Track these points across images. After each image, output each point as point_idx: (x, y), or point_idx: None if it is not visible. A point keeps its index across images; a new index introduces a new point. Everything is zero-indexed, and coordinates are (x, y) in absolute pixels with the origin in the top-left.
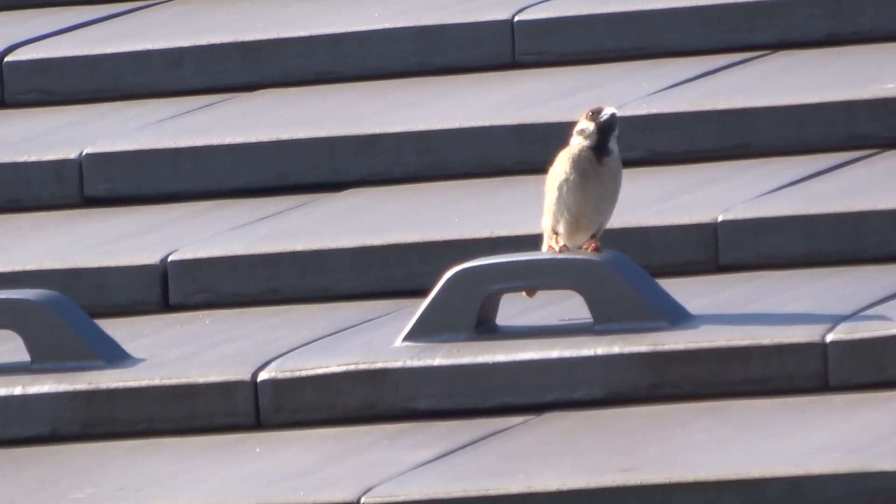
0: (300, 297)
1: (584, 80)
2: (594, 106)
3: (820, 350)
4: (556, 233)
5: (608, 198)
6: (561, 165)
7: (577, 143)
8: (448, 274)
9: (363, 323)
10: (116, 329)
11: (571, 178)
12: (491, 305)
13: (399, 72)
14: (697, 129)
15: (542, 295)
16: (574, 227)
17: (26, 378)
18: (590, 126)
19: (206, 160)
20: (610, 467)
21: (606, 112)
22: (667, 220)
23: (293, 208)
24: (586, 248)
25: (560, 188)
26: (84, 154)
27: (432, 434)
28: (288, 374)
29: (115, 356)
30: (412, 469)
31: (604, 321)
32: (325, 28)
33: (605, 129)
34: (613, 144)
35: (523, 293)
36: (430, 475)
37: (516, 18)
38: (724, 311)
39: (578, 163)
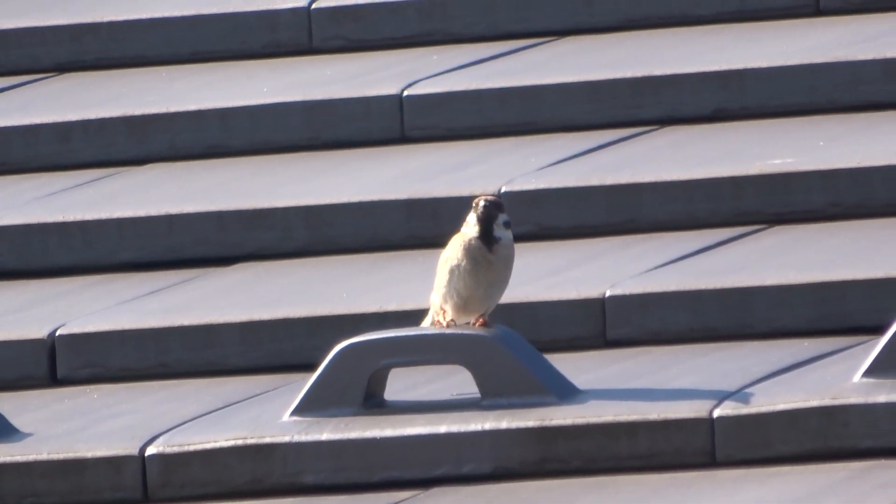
0: (189, 372)
1: (473, 154)
2: (484, 187)
3: (707, 425)
4: (443, 310)
5: (499, 283)
6: (453, 250)
7: (468, 231)
8: (336, 349)
9: (252, 397)
10: (3, 403)
11: (462, 264)
12: (379, 380)
13: (289, 146)
14: (585, 204)
15: (430, 369)
16: (463, 308)
17: None
18: (472, 218)
19: (95, 234)
20: None
21: (481, 203)
22: (555, 296)
23: (183, 282)
24: (474, 324)
25: (451, 272)
26: None
27: None
28: (176, 449)
29: (4, 430)
30: None
31: (492, 396)
32: (215, 102)
33: (485, 220)
34: (501, 232)
35: (413, 367)
36: None
37: (405, 93)
38: (612, 385)
39: (469, 251)
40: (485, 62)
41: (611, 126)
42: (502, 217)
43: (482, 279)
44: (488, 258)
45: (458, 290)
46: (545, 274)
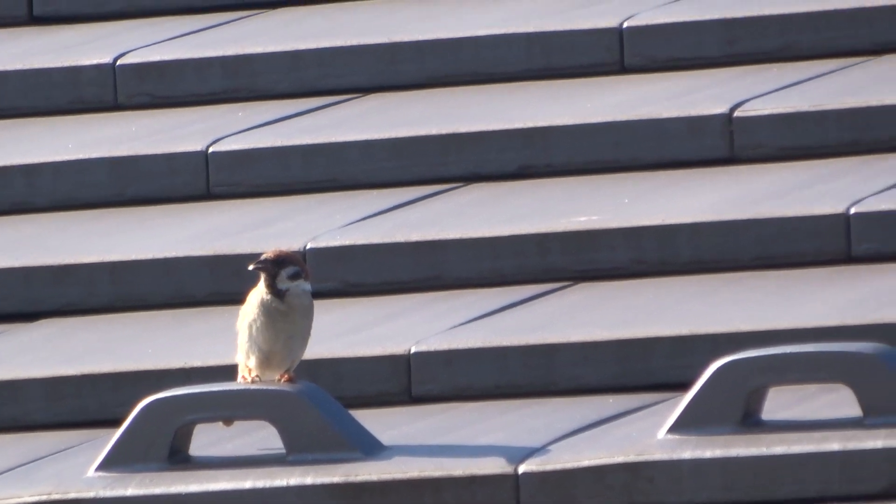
0: None
1: (278, 211)
2: (289, 244)
3: (512, 481)
4: (248, 366)
5: (299, 336)
6: (250, 305)
7: (262, 285)
8: (141, 404)
9: (57, 453)
10: None
11: (259, 318)
12: (184, 435)
13: (94, 202)
14: (390, 261)
15: (237, 425)
16: (265, 363)
17: None
18: (256, 272)
19: None
20: None
21: (256, 266)
22: (360, 352)
23: None
24: (280, 379)
25: (250, 327)
26: None
27: None
28: None
29: None
30: None
31: (297, 451)
32: (19, 158)
33: (267, 277)
34: (286, 283)
35: (220, 422)
36: None
37: (210, 150)
38: (418, 441)
39: (264, 305)
40: (290, 119)
41: (416, 183)
42: (286, 271)
43: (280, 332)
44: (281, 309)
45: (259, 345)
46: (351, 330)
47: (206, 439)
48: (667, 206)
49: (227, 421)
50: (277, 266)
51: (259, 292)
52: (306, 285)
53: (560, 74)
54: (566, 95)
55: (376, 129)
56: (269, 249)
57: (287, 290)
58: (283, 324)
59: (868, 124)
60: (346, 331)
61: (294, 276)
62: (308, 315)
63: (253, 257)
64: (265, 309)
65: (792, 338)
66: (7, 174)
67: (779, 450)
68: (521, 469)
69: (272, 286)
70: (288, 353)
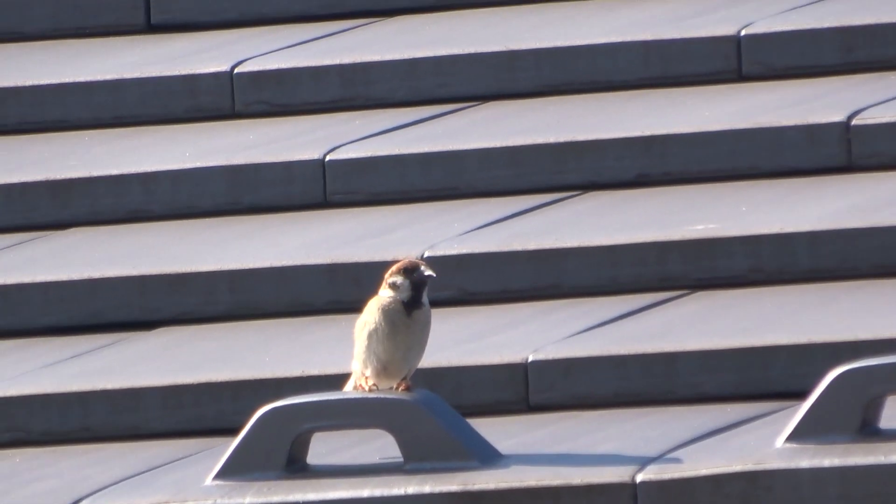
0: (112, 436)
1: (396, 219)
2: (408, 252)
3: (630, 490)
4: (364, 374)
5: (417, 347)
6: (371, 314)
7: (387, 294)
8: (259, 412)
9: (175, 461)
10: None
11: (381, 328)
12: (302, 444)
13: (211, 210)
14: (508, 270)
15: (353, 434)
16: (383, 373)
17: None
18: (404, 282)
19: (16, 298)
20: None
21: (424, 272)
22: (478, 360)
23: (105, 346)
24: (397, 388)
25: (370, 337)
26: None
27: None
28: None
29: None
30: None
31: (414, 460)
32: (137, 167)
33: (419, 287)
34: (425, 297)
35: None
36: None
37: (328, 158)
38: (535, 450)
39: (388, 314)
40: (407, 127)
41: (534, 191)
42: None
43: (400, 343)
44: (406, 322)
45: (378, 355)
46: (469, 338)
47: (324, 448)
48: (785, 214)
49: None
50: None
51: (382, 302)
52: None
53: (677, 82)
54: (683, 103)
55: (494, 138)
56: (397, 258)
57: (424, 304)
58: (405, 335)
59: None
60: (464, 339)
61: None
62: (428, 328)
63: (372, 266)
64: (389, 320)
65: None
66: (125, 182)
67: None
68: (640, 478)
69: (415, 300)
70: (405, 363)
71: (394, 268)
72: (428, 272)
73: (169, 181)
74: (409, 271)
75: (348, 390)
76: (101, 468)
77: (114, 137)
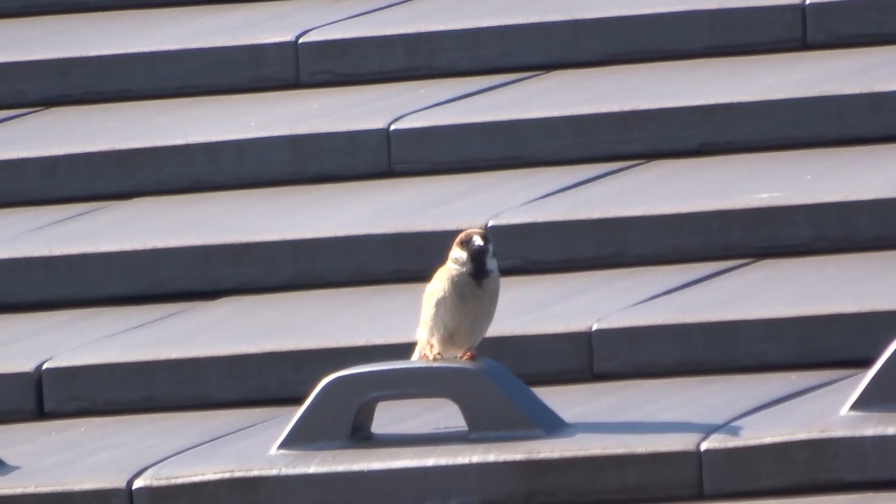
0: (176, 405)
1: (459, 189)
2: (471, 222)
3: (694, 459)
4: (430, 344)
5: (485, 316)
6: (440, 283)
7: (454, 267)
8: (323, 382)
9: (238, 431)
10: None
11: (449, 298)
12: (366, 413)
13: (274, 180)
14: (571, 238)
15: (417, 403)
16: (449, 341)
17: None
18: (462, 255)
19: (81, 268)
20: None
21: (475, 241)
22: (542, 329)
23: (168, 316)
24: (462, 357)
25: (437, 305)
26: None
27: None
28: (163, 482)
29: None
30: None
31: (479, 429)
32: (201, 136)
33: (478, 256)
34: (492, 263)
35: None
36: None
37: (392, 127)
38: (599, 419)
39: (457, 285)
40: (471, 96)
41: (597, 160)
42: (491, 247)
43: (469, 312)
44: (476, 291)
45: (445, 324)
46: (532, 308)
47: (388, 417)
48: (849, 182)
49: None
50: (489, 242)
51: (450, 271)
52: (496, 267)
53: (741, 51)
54: (747, 72)
55: (558, 107)
56: (461, 228)
57: (491, 272)
58: (474, 305)
59: None
60: (527, 308)
61: (493, 255)
62: (496, 297)
63: (435, 235)
64: (458, 290)
65: None
66: (188, 152)
67: None
68: (704, 446)
69: (479, 269)
70: (473, 333)
71: (454, 241)
72: (478, 242)
73: (233, 151)
74: (465, 243)
75: (413, 360)
76: (165, 438)
77: (177, 107)
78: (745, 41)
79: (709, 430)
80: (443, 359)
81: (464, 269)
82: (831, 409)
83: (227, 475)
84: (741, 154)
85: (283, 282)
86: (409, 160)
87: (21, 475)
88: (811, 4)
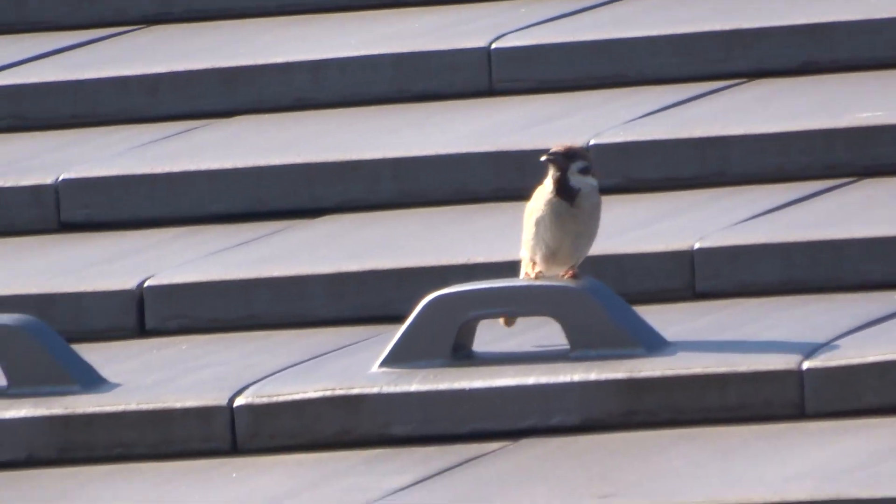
0: (277, 323)
1: (561, 107)
2: (573, 140)
3: (796, 377)
4: (533, 262)
5: (586, 234)
6: (537, 202)
7: (548, 181)
8: (425, 300)
9: (339, 349)
10: (92, 354)
11: (548, 216)
12: (468, 332)
13: (377, 99)
14: (674, 157)
15: (518, 321)
16: (551, 259)
17: (3, 403)
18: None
19: (183, 186)
20: (587, 493)
21: (545, 158)
22: (643, 248)
23: (270, 234)
24: (563, 276)
25: (537, 224)
26: (61, 179)
27: (408, 460)
28: (265, 400)
29: (92, 381)
30: (389, 495)
31: (580, 348)
32: (304, 55)
33: (556, 174)
34: (577, 180)
35: (501, 321)
36: (407, 501)
37: (493, 46)
38: (701, 338)
39: (552, 204)
40: (572, 15)
41: (700, 79)
42: (576, 165)
43: (569, 230)
44: (571, 211)
45: (546, 242)
46: (634, 226)
47: (490, 336)
48: None
49: (508, 320)
50: (568, 160)
51: (546, 189)
52: (594, 181)
53: None
54: None
55: (661, 26)
56: (555, 144)
57: (579, 189)
58: (572, 223)
59: None
60: (629, 227)
61: (583, 171)
62: (595, 214)
63: (537, 153)
64: (553, 208)
65: None
66: (292, 70)
67: None
68: (806, 365)
69: (561, 180)
70: (574, 251)
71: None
72: (543, 157)
73: (336, 69)
74: (546, 153)
75: (517, 278)
76: (267, 356)
77: (280, 26)
78: None
79: (811, 350)
80: (545, 277)
81: (550, 191)
82: None
83: (328, 393)
84: (844, 73)
85: (385, 200)
86: (510, 79)
87: (122, 392)
88: None
